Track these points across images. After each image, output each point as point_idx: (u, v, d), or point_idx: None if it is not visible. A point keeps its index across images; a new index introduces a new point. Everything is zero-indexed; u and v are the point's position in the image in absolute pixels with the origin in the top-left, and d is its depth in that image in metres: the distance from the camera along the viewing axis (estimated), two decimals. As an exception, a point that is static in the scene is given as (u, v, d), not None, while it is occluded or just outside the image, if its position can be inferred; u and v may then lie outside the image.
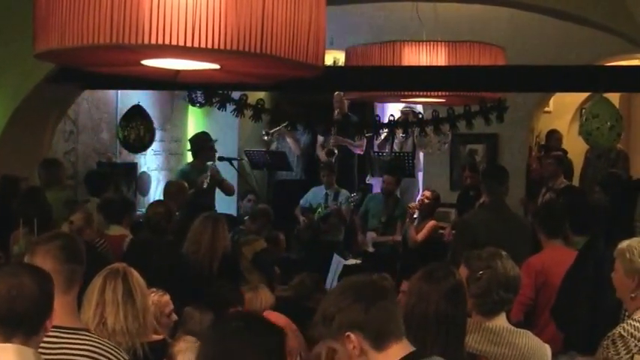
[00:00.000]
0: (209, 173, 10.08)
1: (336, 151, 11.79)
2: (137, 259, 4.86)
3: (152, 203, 7.89)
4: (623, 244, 4.14)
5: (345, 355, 2.88)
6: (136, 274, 4.13)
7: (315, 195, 10.73)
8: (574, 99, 12.61)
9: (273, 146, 12.51)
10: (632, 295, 4.07)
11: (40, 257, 3.34)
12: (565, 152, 11.46)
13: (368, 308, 2.85)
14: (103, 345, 3.36)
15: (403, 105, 11.44)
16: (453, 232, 9.34)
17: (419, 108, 11.31)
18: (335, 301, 2.90)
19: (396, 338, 2.87)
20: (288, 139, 12.26)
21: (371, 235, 10.18)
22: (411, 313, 3.43)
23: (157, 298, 4.97)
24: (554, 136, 11.94)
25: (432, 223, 9.46)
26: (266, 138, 12.13)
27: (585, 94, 11.76)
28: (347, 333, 2.84)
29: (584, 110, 10.42)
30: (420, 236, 9.35)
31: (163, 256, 6.50)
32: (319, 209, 10.49)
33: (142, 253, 6.40)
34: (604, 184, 8.73)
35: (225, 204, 10.88)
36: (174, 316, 5.07)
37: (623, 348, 3.89)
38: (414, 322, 3.38)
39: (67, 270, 3.35)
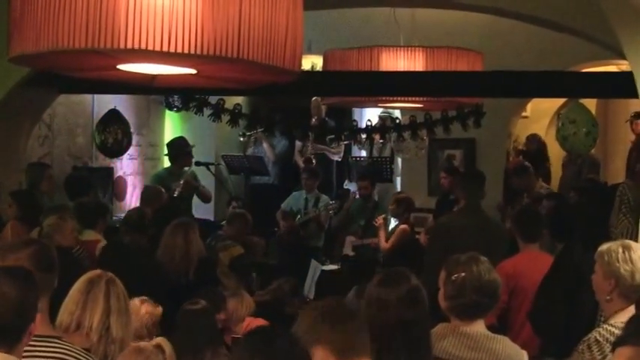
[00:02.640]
0: (181, 181, 9.99)
1: (314, 161, 11.78)
2: (111, 265, 4.81)
3: (129, 210, 7.89)
4: (604, 246, 4.18)
5: None
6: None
7: (295, 199, 10.71)
8: (551, 104, 12.66)
9: (250, 151, 12.48)
10: (608, 297, 4.09)
11: (10, 265, 3.31)
12: (547, 157, 11.51)
13: (334, 326, 2.89)
14: (75, 352, 3.34)
15: (381, 110, 11.46)
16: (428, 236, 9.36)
17: (396, 113, 11.33)
18: (303, 320, 2.94)
19: (358, 356, 2.90)
20: (265, 145, 12.24)
21: (350, 239, 10.17)
22: (372, 321, 3.44)
23: (151, 309, 4.95)
24: (533, 139, 11.93)
25: (401, 227, 9.40)
26: (242, 139, 12.09)
27: (562, 100, 11.81)
28: (314, 347, 2.83)
29: (560, 115, 10.49)
30: (389, 243, 9.30)
31: (137, 261, 6.47)
32: (299, 215, 10.48)
33: (115, 259, 6.36)
34: (581, 190, 8.76)
35: (202, 209, 10.85)
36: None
37: (599, 353, 3.90)
38: (376, 330, 3.41)
39: (38, 279, 3.31)
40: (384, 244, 9.31)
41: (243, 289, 6.54)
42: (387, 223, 9.65)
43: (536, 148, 11.68)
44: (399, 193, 10.50)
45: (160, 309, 5.03)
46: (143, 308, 4.94)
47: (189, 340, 4.97)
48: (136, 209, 7.71)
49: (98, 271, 4.05)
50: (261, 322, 6.06)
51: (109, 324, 3.83)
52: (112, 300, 3.88)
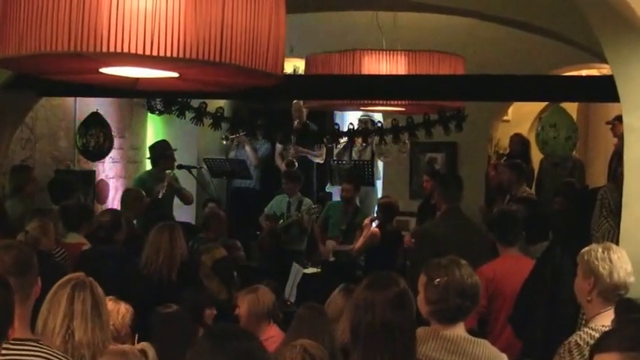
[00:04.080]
0: (165, 182, 10.01)
1: (296, 163, 11.78)
2: (90, 268, 4.80)
3: (100, 212, 7.84)
4: (586, 248, 4.23)
5: None
6: (97, 285, 4.06)
7: (278, 203, 10.70)
8: (532, 108, 12.72)
9: (232, 154, 12.45)
10: (588, 298, 4.12)
11: None
12: (530, 159, 11.53)
13: None
14: (53, 355, 3.33)
15: (361, 113, 11.47)
16: (413, 240, 9.35)
17: (378, 117, 11.35)
18: None
19: None
20: (247, 148, 12.22)
21: (331, 244, 10.16)
22: (358, 323, 3.47)
23: (128, 307, 4.91)
24: (517, 139, 11.94)
25: (371, 231, 9.36)
26: (225, 142, 12.07)
27: (543, 104, 11.86)
28: None
29: (541, 119, 10.53)
30: (357, 244, 9.29)
31: (116, 265, 6.46)
32: (282, 219, 10.46)
33: (94, 263, 6.34)
34: (566, 194, 8.79)
35: (183, 212, 10.83)
36: None
37: (579, 357, 3.92)
38: (361, 331, 3.43)
39: (14, 283, 3.27)
40: (354, 247, 9.34)
41: (263, 285, 6.40)
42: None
43: (520, 148, 11.68)
44: (383, 197, 10.50)
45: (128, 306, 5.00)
46: (122, 307, 4.90)
47: (162, 343, 4.94)
48: (108, 212, 7.62)
49: (73, 275, 4.02)
50: (275, 329, 5.96)
51: (73, 328, 3.81)
52: (75, 304, 3.83)
